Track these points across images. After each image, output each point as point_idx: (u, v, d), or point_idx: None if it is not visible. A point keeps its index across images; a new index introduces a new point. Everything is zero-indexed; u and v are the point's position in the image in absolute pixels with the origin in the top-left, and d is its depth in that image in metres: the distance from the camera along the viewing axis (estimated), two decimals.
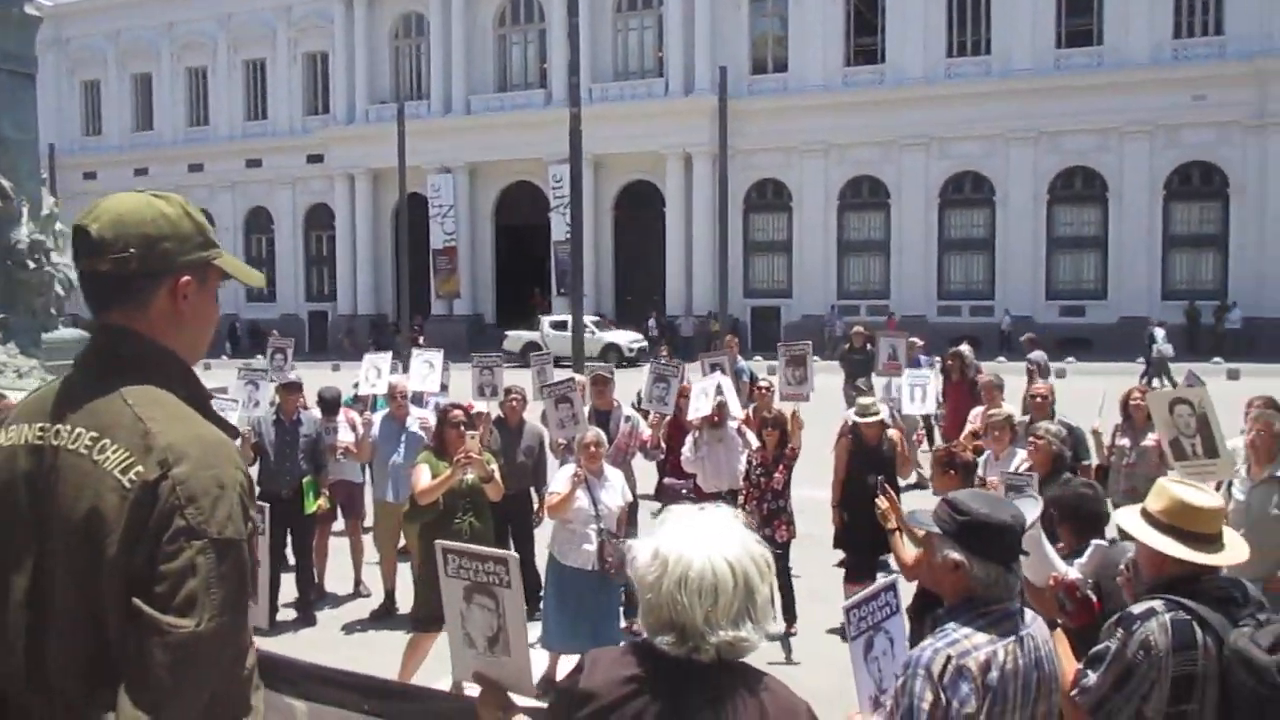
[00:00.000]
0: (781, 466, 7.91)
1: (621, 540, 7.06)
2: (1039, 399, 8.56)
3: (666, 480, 9.24)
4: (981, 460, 7.57)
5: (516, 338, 35.76)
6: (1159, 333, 25.73)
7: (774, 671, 2.10)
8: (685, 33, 38.44)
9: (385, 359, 9.12)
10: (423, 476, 6.55)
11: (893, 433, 8.75)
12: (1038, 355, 14.83)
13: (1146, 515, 3.25)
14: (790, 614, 8.14)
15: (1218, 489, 6.24)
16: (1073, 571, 3.46)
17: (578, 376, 8.65)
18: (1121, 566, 3.56)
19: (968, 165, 36.29)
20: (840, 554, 9.42)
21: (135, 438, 1.70)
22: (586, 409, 8.11)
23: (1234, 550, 3.18)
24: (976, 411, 8.26)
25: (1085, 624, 3.53)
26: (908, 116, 35.65)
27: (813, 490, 9.21)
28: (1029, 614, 2.88)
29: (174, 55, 48.08)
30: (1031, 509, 3.32)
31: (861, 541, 8.51)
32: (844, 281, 38.33)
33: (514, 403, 8.57)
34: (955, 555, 2.78)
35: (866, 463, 8.39)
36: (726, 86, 30.33)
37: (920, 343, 17.24)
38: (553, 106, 39.20)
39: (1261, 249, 32.31)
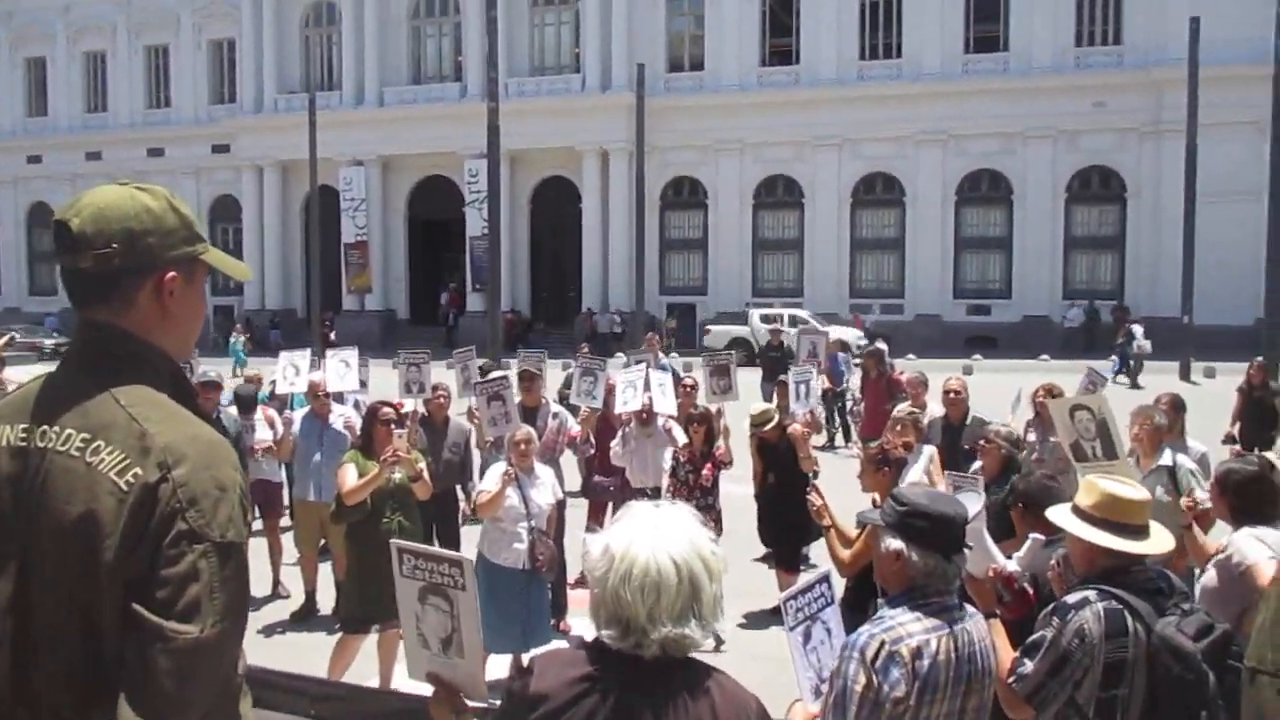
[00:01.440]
0: (709, 464, 7.97)
1: (551, 538, 7.07)
2: (953, 395, 8.80)
3: (595, 477, 9.26)
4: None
5: (722, 333, 32.78)
6: (1138, 329, 26.50)
7: (709, 660, 2.14)
8: (602, 29, 38.42)
9: (304, 356, 8.92)
10: (349, 476, 6.43)
11: (792, 428, 8.90)
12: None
13: (1078, 511, 3.39)
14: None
15: None
16: (1010, 564, 3.59)
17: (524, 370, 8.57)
18: (1052, 561, 3.69)
19: (879, 166, 37.01)
20: (764, 549, 9.60)
21: (131, 439, 1.64)
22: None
23: (1160, 540, 3.33)
24: (901, 407, 8.43)
25: (1021, 615, 3.65)
26: (821, 117, 36.20)
27: (733, 486, 9.30)
28: (969, 609, 2.98)
29: (70, 39, 46.29)
30: (974, 503, 3.42)
31: (776, 535, 8.68)
32: (759, 279, 38.77)
33: (440, 400, 8.48)
34: (896, 544, 2.88)
35: (771, 460, 8.58)
36: (644, 84, 30.42)
37: (844, 340, 17.59)
38: (468, 100, 38.81)
39: (1156, 251, 33.62)
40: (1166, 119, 32.49)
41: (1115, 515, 3.30)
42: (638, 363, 9.66)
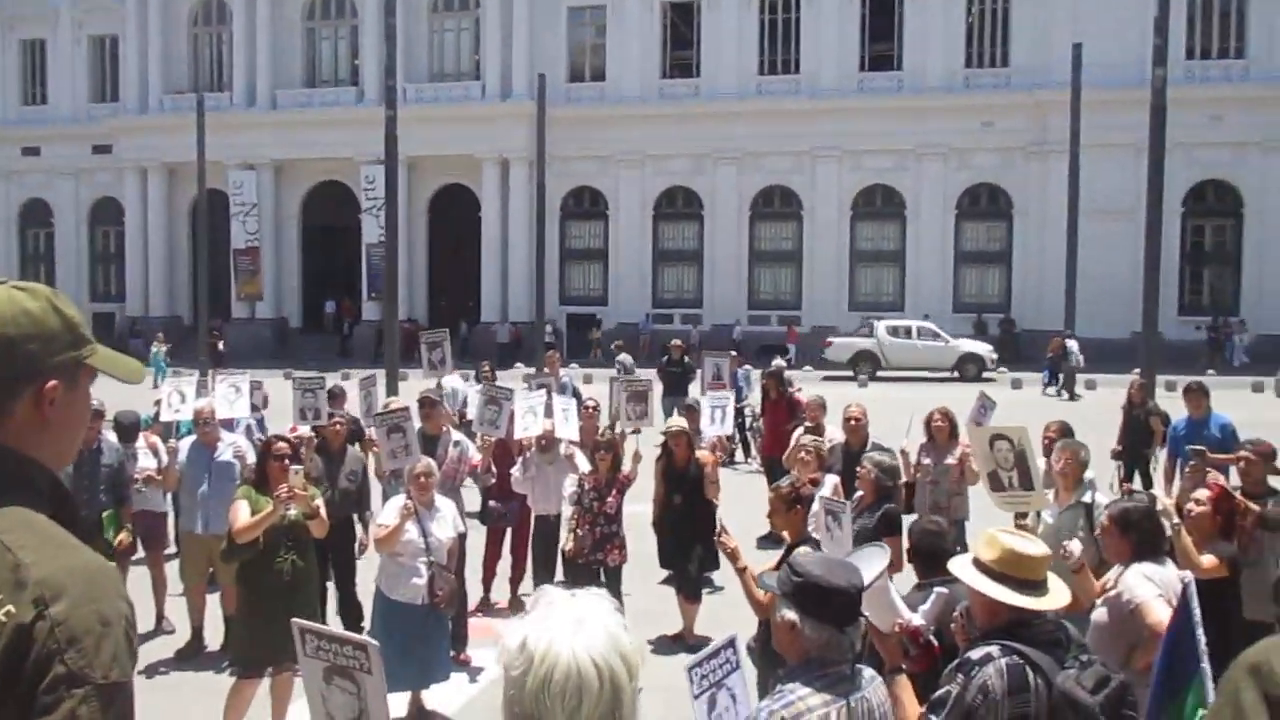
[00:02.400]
0: (614, 491, 7.89)
1: (452, 571, 6.89)
2: (853, 421, 8.89)
3: (491, 503, 9.08)
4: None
5: (846, 345, 31.40)
6: (1073, 344, 27.21)
7: None
8: (503, 37, 38.13)
9: (190, 383, 8.53)
10: (241, 513, 6.15)
11: (702, 454, 8.91)
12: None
13: (979, 564, 3.42)
14: None
15: (1031, 517, 6.65)
16: (916, 618, 3.61)
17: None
18: (956, 614, 3.72)
19: (778, 179, 37.56)
20: (665, 572, 9.56)
21: (4, 571, 1.46)
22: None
23: (1058, 594, 3.38)
24: (800, 434, 8.46)
25: (927, 668, 3.67)
26: (721, 130, 36.57)
27: (634, 505, 9.23)
28: (868, 674, 2.98)
29: None
30: (878, 559, 3.42)
31: (679, 561, 8.65)
32: (659, 290, 38.93)
33: (337, 426, 8.21)
34: (790, 615, 2.88)
35: (675, 484, 8.55)
36: (545, 94, 30.28)
37: (736, 355, 17.69)
38: (365, 105, 38.06)
39: (1040, 267, 34.83)
40: (1051, 139, 33.71)
41: (1015, 571, 3.34)
42: (540, 386, 9.52)
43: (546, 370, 14.21)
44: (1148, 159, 19.57)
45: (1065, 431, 8.51)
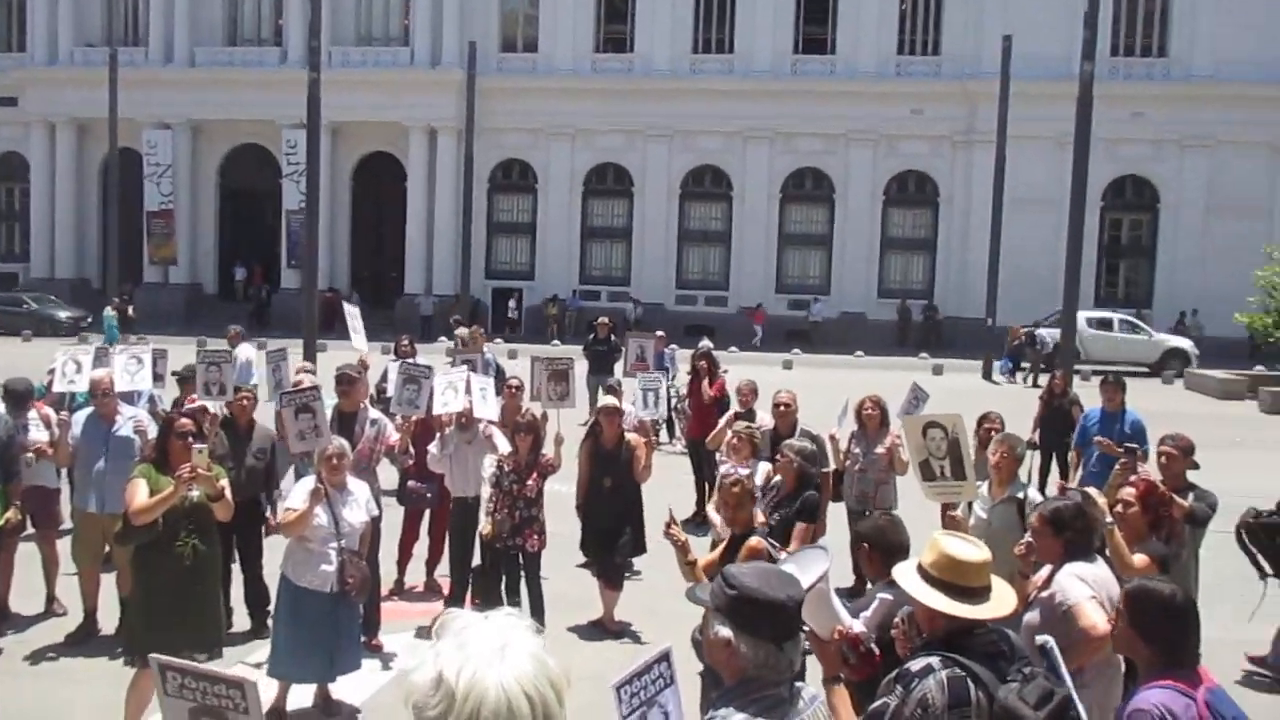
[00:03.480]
0: (534, 474, 7.64)
1: (364, 557, 6.59)
2: (782, 407, 8.76)
3: (410, 483, 8.77)
4: (722, 470, 7.62)
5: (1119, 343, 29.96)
6: (1044, 333, 27.38)
7: None
8: (434, 3, 37.22)
9: (86, 352, 8.00)
10: (139, 493, 5.76)
11: (632, 437, 8.70)
12: None
13: (921, 569, 3.27)
14: (539, 625, 7.88)
15: (962, 509, 6.57)
16: (856, 624, 3.44)
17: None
18: (897, 621, 3.57)
19: (709, 159, 37.42)
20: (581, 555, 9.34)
21: None
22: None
23: (1000, 602, 3.24)
24: (739, 424, 8.26)
25: (867, 676, 3.52)
26: (653, 107, 36.26)
27: (554, 485, 9.00)
28: (808, 695, 2.78)
29: None
30: (819, 562, 3.24)
31: (601, 545, 8.45)
32: (586, 266, 38.60)
33: (244, 402, 7.81)
34: (725, 632, 2.67)
35: (604, 466, 8.33)
36: (476, 62, 29.65)
37: (662, 335, 17.50)
38: (288, 66, 36.90)
39: (964, 255, 35.30)
40: (979, 128, 34.09)
41: (955, 577, 3.20)
42: (465, 362, 9.18)
43: (471, 344, 13.83)
44: (1073, 152, 19.82)
45: (998, 424, 8.52)
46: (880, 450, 8.95)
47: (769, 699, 2.63)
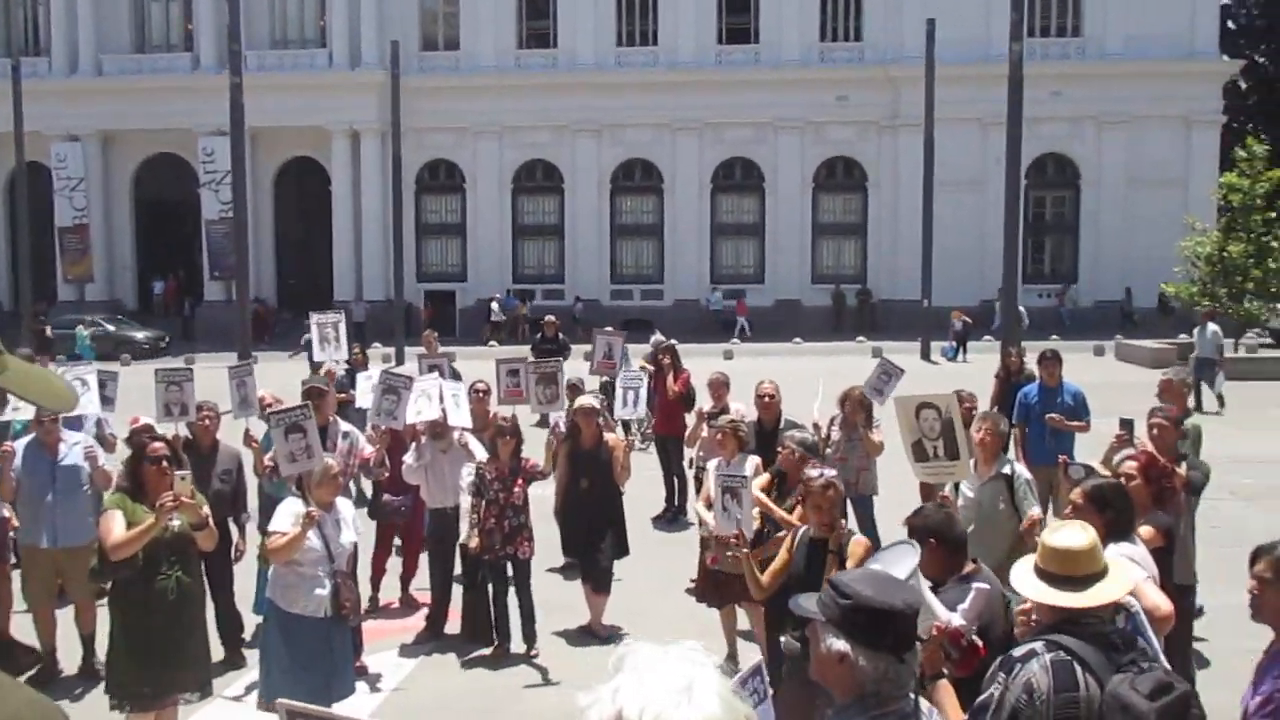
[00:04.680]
0: (519, 480, 7.39)
1: (353, 577, 6.29)
2: (766, 398, 8.63)
3: (385, 497, 8.45)
4: (711, 466, 7.47)
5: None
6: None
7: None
8: (350, 2, 36.45)
9: None
10: (116, 525, 5.39)
11: (610, 437, 8.50)
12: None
13: (1036, 568, 3.18)
14: (531, 635, 7.66)
15: (948, 488, 6.50)
16: (956, 618, 3.29)
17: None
18: (1019, 615, 3.44)
19: (638, 152, 37.26)
20: (561, 559, 9.13)
21: None
22: None
23: (1105, 589, 3.12)
24: (723, 418, 8.07)
25: (971, 672, 3.38)
26: (580, 102, 35.97)
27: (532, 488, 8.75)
28: (925, 708, 2.63)
29: None
30: (908, 557, 3.09)
31: (584, 548, 8.24)
32: (519, 264, 38.20)
33: (205, 422, 7.42)
34: (840, 645, 2.49)
35: (582, 467, 8.11)
36: (399, 62, 29.08)
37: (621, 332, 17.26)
38: (201, 72, 35.93)
39: (895, 238, 35.69)
40: (904, 113, 34.47)
41: (1059, 567, 3.11)
42: (431, 368, 8.89)
43: (424, 351, 13.47)
44: (1006, 132, 20.05)
45: (971, 401, 8.51)
46: (874, 436, 8.90)
47: (891, 715, 2.46)
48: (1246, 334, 26.80)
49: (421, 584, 9.05)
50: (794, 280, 36.74)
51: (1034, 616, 3.28)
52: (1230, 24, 40.71)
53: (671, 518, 11.55)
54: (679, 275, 37.09)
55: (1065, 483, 6.28)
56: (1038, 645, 3.01)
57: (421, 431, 7.80)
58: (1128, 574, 3.25)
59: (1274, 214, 25.24)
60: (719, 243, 37.64)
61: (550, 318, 18.75)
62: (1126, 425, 6.41)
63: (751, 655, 7.24)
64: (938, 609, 3.22)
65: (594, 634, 8.02)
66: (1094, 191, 35.82)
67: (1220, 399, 18.77)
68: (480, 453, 7.88)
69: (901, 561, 3.06)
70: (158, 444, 5.73)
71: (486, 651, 7.69)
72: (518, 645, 7.68)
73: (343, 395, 11.40)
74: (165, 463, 5.61)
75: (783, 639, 5.04)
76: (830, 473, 5.32)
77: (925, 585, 3.25)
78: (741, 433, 7.35)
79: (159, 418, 7.45)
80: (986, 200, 35.00)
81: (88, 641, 7.38)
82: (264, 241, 37.88)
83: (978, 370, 24.38)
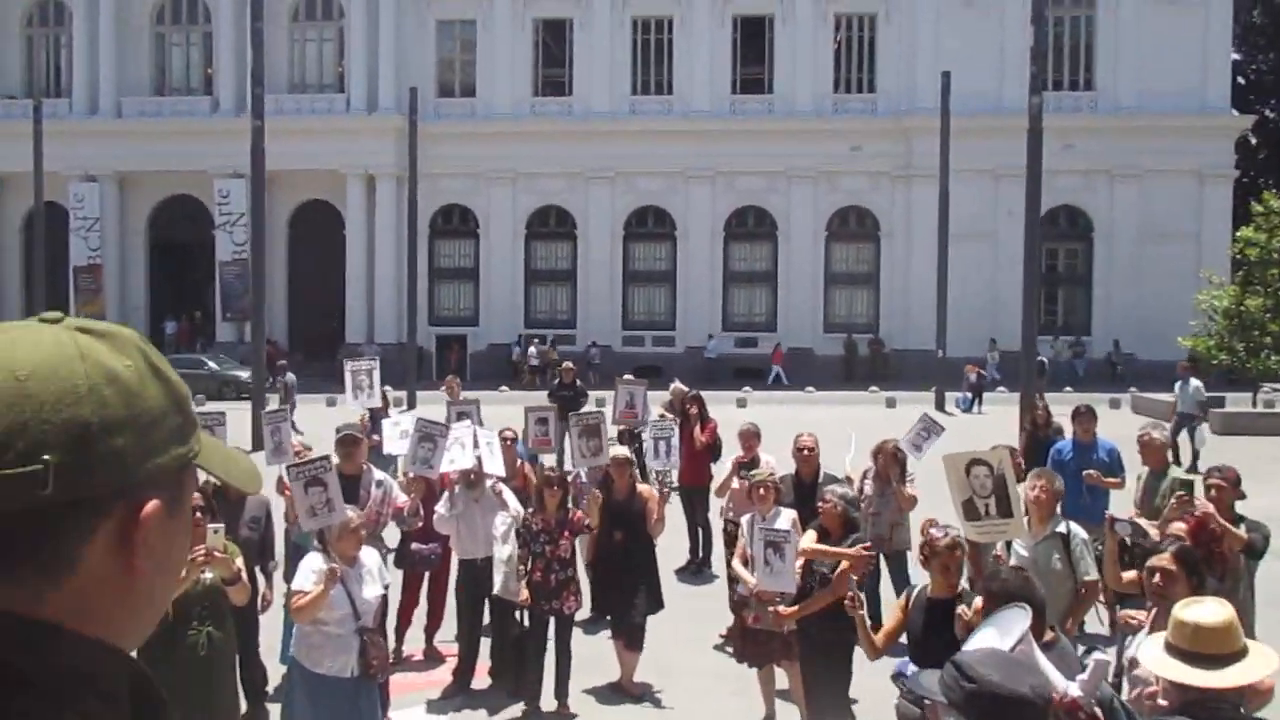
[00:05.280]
0: (566, 532, 7.23)
1: (380, 632, 6.12)
2: (806, 451, 8.48)
3: (413, 545, 8.28)
4: (745, 521, 7.32)
5: None
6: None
7: None
8: (369, 49, 36.83)
9: None
10: None
11: (644, 488, 8.36)
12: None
13: (1167, 644, 3.04)
14: (564, 693, 7.46)
15: (1000, 547, 6.35)
16: (1074, 688, 3.12)
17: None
18: (1145, 696, 3.29)
19: (651, 200, 37.41)
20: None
21: None
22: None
23: (1245, 670, 2.98)
24: (758, 470, 7.94)
25: None
26: (594, 150, 36.19)
27: None
28: None
29: None
30: (1019, 621, 2.94)
31: (617, 603, 8.05)
32: (531, 310, 38.21)
33: None
34: None
35: (616, 518, 7.95)
36: (417, 108, 29.29)
37: (644, 381, 17.14)
38: (219, 116, 36.26)
39: (906, 287, 35.68)
40: (916, 164, 34.61)
41: (1194, 644, 2.98)
42: (460, 415, 8.76)
43: (447, 397, 13.36)
44: (1026, 184, 20.07)
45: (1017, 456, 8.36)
46: (909, 490, 8.77)
47: None
48: (1263, 389, 26.64)
49: (445, 636, 8.88)
50: (806, 328, 36.68)
51: (1160, 699, 3.13)
52: (1240, 79, 40.94)
53: (696, 570, 11.35)
54: (691, 322, 37.06)
55: (1111, 539, 6.13)
56: None
57: (455, 481, 7.66)
58: (1268, 654, 3.10)
59: None
60: (731, 290, 37.66)
61: (568, 364, 18.62)
62: (1187, 487, 6.27)
63: (790, 716, 7.06)
64: (1054, 678, 3.05)
65: (626, 692, 7.82)
66: (1106, 244, 35.84)
67: (1195, 455, 18.55)
68: (514, 502, 7.74)
69: (1010, 625, 2.91)
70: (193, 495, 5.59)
71: (517, 709, 7.49)
72: (547, 702, 7.49)
73: None
74: (198, 514, 5.48)
75: (898, 702, 4.88)
76: (955, 531, 5.24)
77: (1038, 652, 3.08)
78: (779, 486, 7.21)
79: None
80: (998, 251, 35.06)
81: None
82: (277, 283, 37.92)
83: (994, 422, 24.34)
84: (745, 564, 7.05)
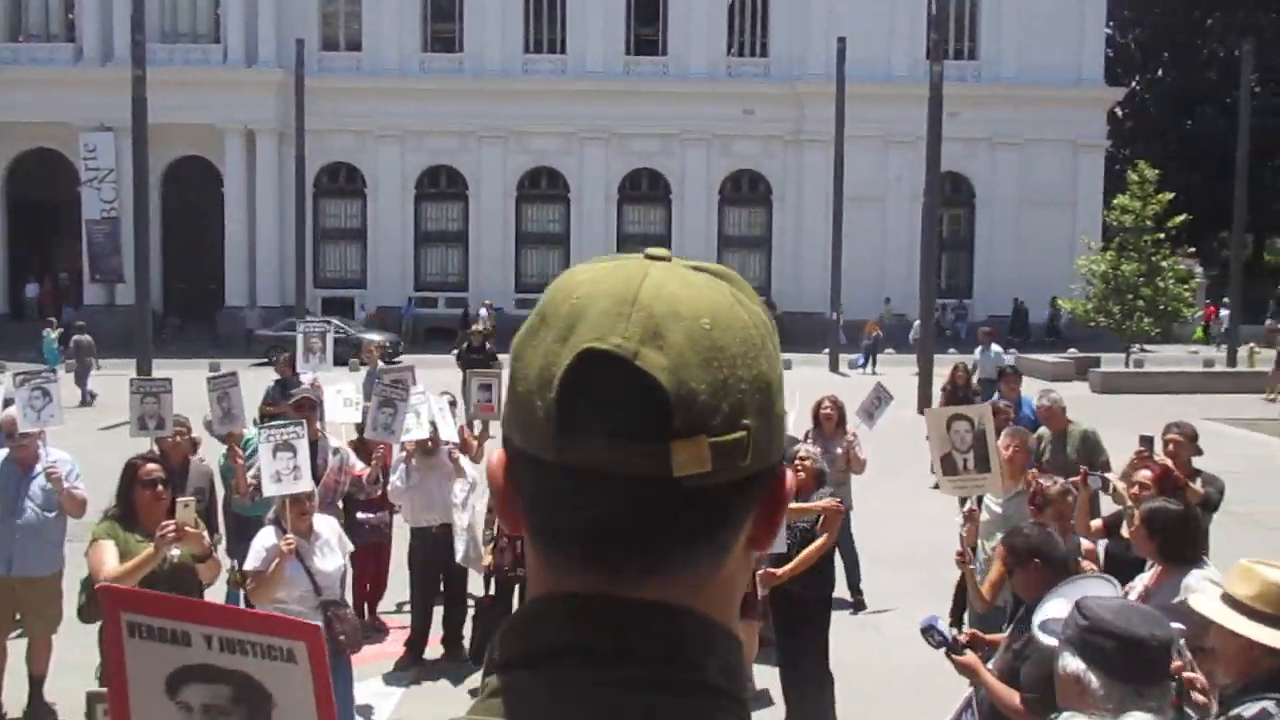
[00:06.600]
0: None
1: (348, 604, 5.87)
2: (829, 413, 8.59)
3: (359, 514, 7.95)
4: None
5: None
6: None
7: None
8: None
9: None
10: (108, 557, 4.87)
11: None
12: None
13: (1232, 601, 2.96)
14: None
15: (971, 503, 6.45)
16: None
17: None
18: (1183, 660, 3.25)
19: (544, 161, 36.92)
20: None
21: None
22: None
23: None
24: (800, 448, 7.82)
25: None
26: (486, 108, 35.42)
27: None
28: None
29: None
30: (1105, 591, 2.93)
31: None
32: (422, 272, 37.37)
33: (178, 438, 6.86)
34: (1075, 665, 2.43)
35: None
36: (303, 62, 28.13)
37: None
38: (84, 65, 34.14)
39: (799, 251, 36.20)
40: (808, 129, 35.02)
41: (1265, 604, 2.90)
42: (394, 382, 8.36)
43: (363, 361, 12.88)
44: (926, 150, 20.60)
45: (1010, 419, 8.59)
46: (839, 450, 8.83)
47: None
48: (1134, 349, 28.02)
49: (386, 607, 8.62)
50: None
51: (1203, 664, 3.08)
52: (1110, 52, 42.66)
53: None
54: None
55: (1084, 493, 6.30)
56: (1269, 705, 2.76)
57: (411, 451, 7.39)
58: None
59: (1162, 235, 26.46)
60: (624, 252, 37.37)
61: (478, 325, 18.31)
62: (1146, 442, 6.48)
63: (763, 679, 7.08)
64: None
65: None
66: (988, 210, 37.03)
67: None
68: (470, 468, 7.53)
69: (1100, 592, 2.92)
70: (152, 465, 5.22)
71: (477, 679, 7.30)
72: None
73: (272, 407, 10.83)
74: (161, 486, 5.12)
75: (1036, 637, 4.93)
76: (1061, 480, 5.39)
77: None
78: (820, 464, 6.86)
79: (133, 431, 6.84)
80: (886, 217, 35.86)
81: (37, 683, 6.71)
82: (150, 242, 36.05)
83: (889, 382, 24.89)
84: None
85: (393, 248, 36.64)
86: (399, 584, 8.25)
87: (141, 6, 19.49)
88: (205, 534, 5.21)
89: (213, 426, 7.36)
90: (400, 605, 8.34)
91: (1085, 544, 5.35)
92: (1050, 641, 2.56)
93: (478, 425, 8.82)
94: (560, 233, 37.39)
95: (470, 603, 7.68)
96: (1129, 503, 5.66)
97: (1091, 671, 2.42)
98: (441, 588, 7.63)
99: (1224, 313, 32.36)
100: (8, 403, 6.83)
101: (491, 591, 7.30)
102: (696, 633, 0.73)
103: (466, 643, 7.52)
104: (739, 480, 0.72)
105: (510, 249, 37.13)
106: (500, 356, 19.37)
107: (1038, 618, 3.36)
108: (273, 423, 6.09)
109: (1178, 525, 4.54)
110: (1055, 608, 3.20)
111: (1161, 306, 26.42)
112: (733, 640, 0.77)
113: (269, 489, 5.77)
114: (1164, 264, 26.43)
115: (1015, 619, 4.25)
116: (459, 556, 7.18)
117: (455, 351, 18.99)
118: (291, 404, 7.11)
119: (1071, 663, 2.45)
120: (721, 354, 0.72)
